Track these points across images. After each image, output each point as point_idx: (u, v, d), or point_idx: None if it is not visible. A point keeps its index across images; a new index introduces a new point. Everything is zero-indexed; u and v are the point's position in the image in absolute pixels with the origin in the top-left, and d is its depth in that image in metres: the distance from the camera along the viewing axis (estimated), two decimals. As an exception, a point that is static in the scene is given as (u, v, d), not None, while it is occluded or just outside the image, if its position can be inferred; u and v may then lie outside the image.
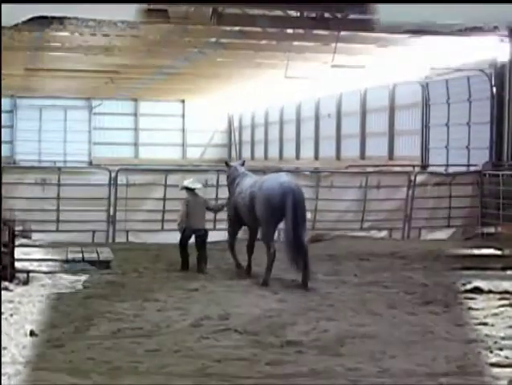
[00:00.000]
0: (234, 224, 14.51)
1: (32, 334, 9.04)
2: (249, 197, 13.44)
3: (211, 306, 10.99)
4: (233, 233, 14.60)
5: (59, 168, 20.44)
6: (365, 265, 15.79)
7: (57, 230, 18.62)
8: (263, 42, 24.83)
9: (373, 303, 11.44)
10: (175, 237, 16.54)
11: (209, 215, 15.90)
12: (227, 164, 15.27)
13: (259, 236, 13.90)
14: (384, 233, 20.71)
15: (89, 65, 30.99)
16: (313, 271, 13.06)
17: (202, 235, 14.60)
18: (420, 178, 21.08)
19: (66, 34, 24.25)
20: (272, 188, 12.93)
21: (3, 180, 18.34)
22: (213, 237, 18.11)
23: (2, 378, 7.23)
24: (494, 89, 23.99)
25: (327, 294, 12.15)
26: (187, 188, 14.79)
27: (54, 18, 18.08)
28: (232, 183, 14.38)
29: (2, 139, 48.50)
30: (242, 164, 15.06)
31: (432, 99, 29.91)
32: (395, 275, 14.31)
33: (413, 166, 27.77)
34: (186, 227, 14.58)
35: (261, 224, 13.38)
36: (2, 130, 48.51)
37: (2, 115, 48.82)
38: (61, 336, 9.14)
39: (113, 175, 18.96)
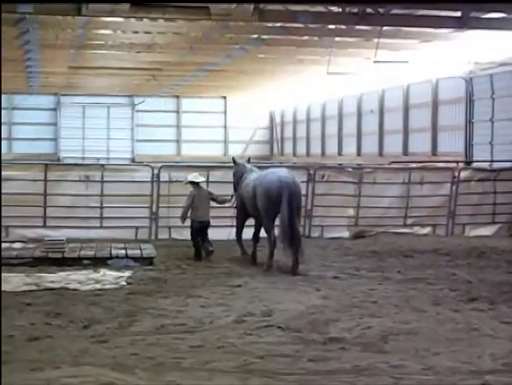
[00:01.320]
0: (241, 215, 15.60)
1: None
2: (252, 190, 14.66)
3: (254, 303, 11.00)
4: (240, 224, 15.69)
5: (102, 165, 20.55)
6: (409, 261, 15.71)
7: (101, 226, 18.78)
8: (305, 38, 24.73)
9: (417, 300, 11.36)
10: (218, 234, 16.63)
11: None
12: (234, 161, 16.29)
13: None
14: (427, 230, 20.53)
15: (131, 62, 31.17)
16: (305, 259, 14.14)
17: (206, 226, 15.64)
18: (464, 174, 20.88)
19: (108, 31, 24.44)
20: (271, 181, 14.15)
21: (48, 178, 18.65)
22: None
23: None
24: (540, 83, 23.70)
25: (371, 291, 12.09)
26: (192, 182, 15.84)
27: None
28: (240, 178, 15.64)
29: (47, 136, 49.32)
30: (248, 161, 16.48)
31: (476, 94, 29.62)
32: (439, 272, 14.22)
33: (457, 162, 27.54)
34: (193, 220, 15.72)
35: (261, 215, 14.52)
36: (47, 127, 49.43)
37: (46, 112, 49.42)
38: (105, 331, 9.21)
39: (156, 172, 19.04)
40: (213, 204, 16.00)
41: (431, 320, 10.00)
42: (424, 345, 8.65)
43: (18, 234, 18.24)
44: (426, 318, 10.09)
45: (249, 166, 15.94)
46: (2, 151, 46.29)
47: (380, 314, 10.29)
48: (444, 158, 30.03)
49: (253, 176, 15.13)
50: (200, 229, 15.61)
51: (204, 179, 16.24)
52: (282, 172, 14.54)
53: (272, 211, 14.07)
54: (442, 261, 15.64)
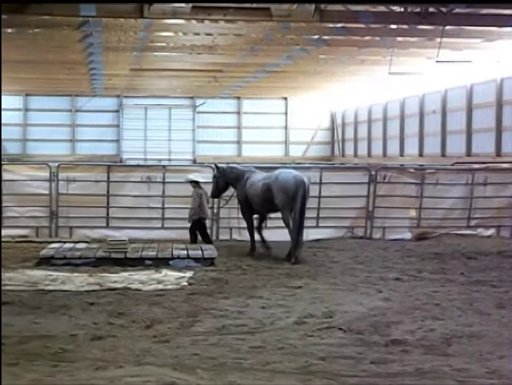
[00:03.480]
0: (247, 212, 16.84)
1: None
2: (263, 188, 16.05)
3: (315, 304, 10.97)
4: (249, 220, 16.84)
5: (164, 166, 20.73)
6: (472, 263, 15.51)
7: (162, 227, 18.96)
8: (366, 38, 24.56)
9: (481, 302, 11.21)
10: (278, 235, 16.63)
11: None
12: (217, 166, 17.51)
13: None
14: (491, 231, 20.25)
15: (193, 64, 31.34)
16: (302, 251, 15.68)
17: (205, 222, 17.14)
18: (529, 175, 20.54)
19: (170, 34, 24.62)
20: (288, 179, 15.81)
21: (110, 179, 18.91)
22: (314, 234, 18.16)
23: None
24: None
25: (433, 293, 11.96)
26: (194, 182, 16.98)
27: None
28: (237, 179, 16.86)
29: (109, 138, 49.89)
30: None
31: (542, 93, 29.08)
32: (503, 274, 14.01)
33: (522, 163, 27.07)
34: (201, 217, 16.82)
35: (279, 209, 15.97)
36: (109, 129, 50.01)
37: (109, 114, 49.96)
38: (167, 331, 9.27)
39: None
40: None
41: (495, 323, 9.85)
42: (488, 348, 8.52)
43: (82, 234, 18.55)
44: (490, 321, 9.95)
45: (241, 168, 17.30)
46: (65, 153, 47.31)
47: (443, 317, 10.17)
48: (509, 159, 29.52)
49: (259, 176, 16.55)
50: (200, 224, 16.87)
51: (203, 179, 17.43)
52: (295, 172, 16.32)
53: (290, 204, 15.69)
54: (507, 264, 15.41)
